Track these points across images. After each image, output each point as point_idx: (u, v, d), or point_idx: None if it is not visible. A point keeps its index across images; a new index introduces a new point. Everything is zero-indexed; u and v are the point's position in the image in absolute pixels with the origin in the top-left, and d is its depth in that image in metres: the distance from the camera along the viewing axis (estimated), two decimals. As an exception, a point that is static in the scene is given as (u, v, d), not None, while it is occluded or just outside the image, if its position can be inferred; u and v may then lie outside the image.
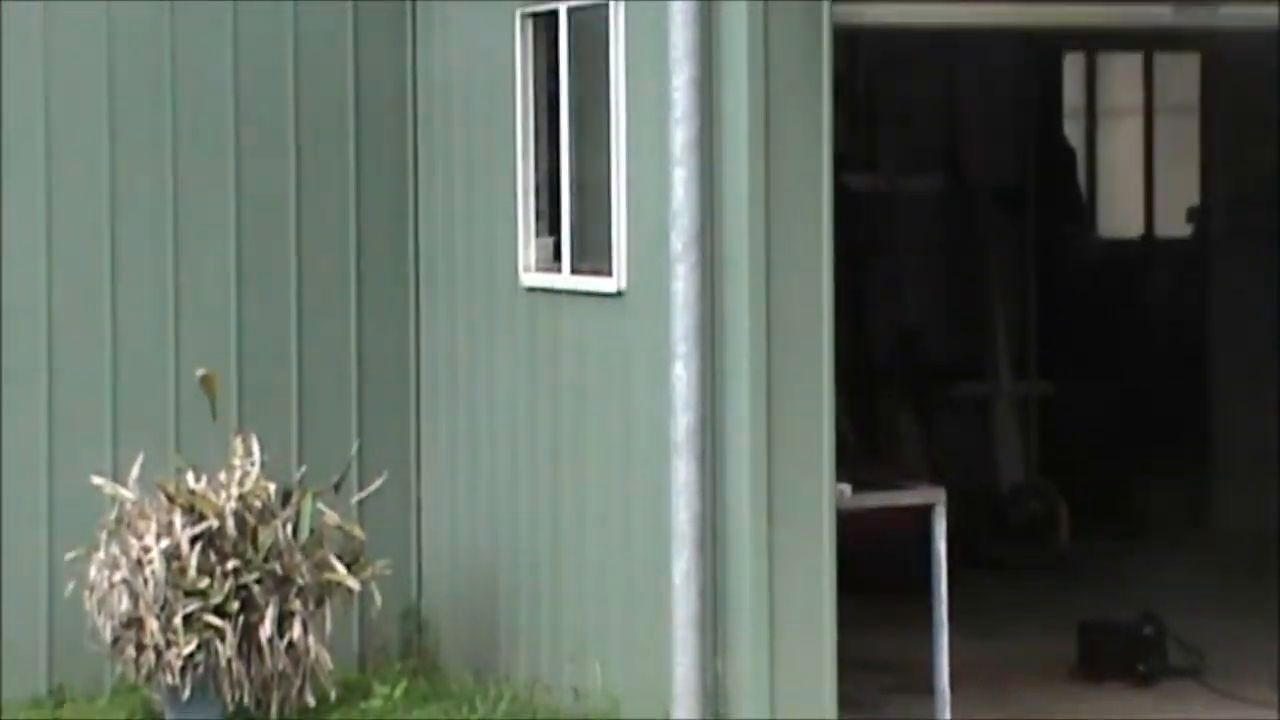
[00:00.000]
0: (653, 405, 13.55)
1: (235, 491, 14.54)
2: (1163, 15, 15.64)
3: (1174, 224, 21.39)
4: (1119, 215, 22.00)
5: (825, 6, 13.12)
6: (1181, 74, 21.51)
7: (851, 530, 12.76)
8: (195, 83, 16.83)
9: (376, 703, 15.26)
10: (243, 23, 16.77)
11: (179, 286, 16.74)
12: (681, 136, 13.50)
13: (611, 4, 14.27)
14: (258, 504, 14.55)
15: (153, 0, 16.50)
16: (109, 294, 16.43)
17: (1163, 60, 22.25)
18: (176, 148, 16.89)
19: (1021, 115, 22.01)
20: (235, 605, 13.87)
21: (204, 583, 13.87)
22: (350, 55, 17.40)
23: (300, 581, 14.10)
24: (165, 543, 14.06)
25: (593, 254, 14.96)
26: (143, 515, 14.47)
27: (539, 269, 15.76)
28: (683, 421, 12.93)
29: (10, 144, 16.29)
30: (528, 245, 15.92)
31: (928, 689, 13.36)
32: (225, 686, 14.09)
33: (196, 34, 16.89)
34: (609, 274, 14.62)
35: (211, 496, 14.38)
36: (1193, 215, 20.97)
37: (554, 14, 15.15)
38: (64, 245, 16.38)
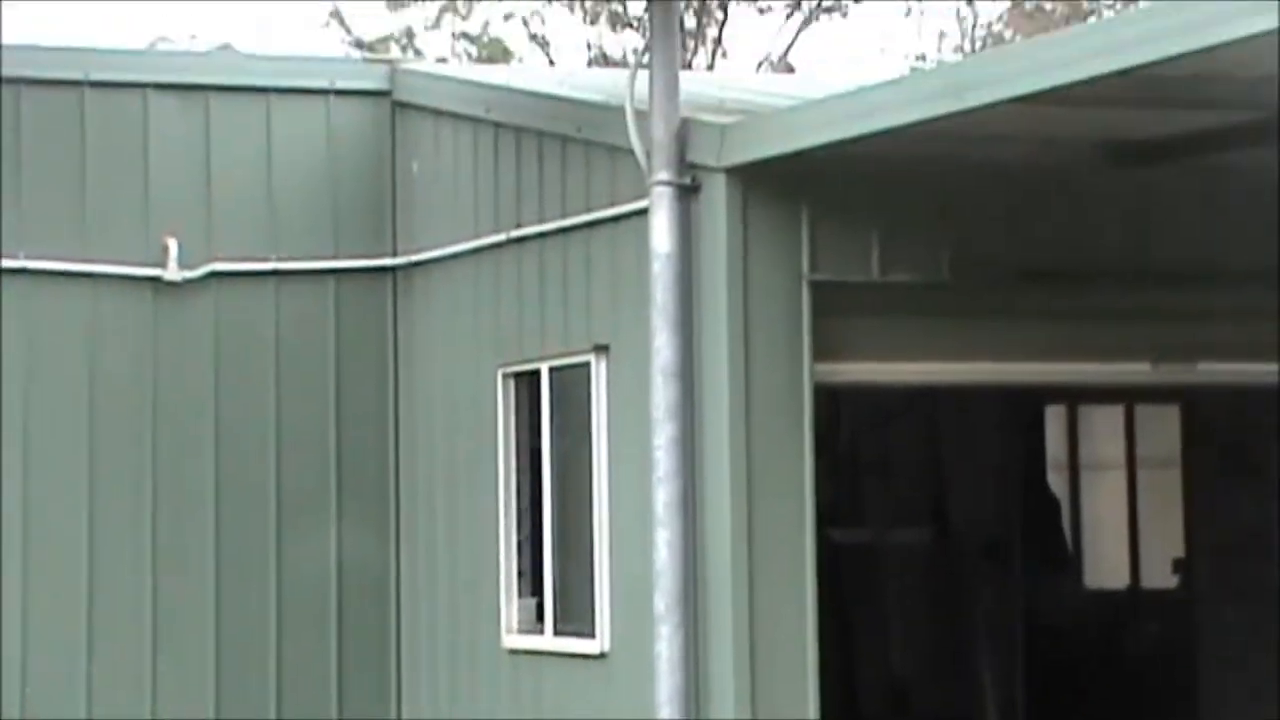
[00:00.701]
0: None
1: None
2: (1142, 372, 15.88)
3: (1160, 575, 21.69)
4: (1104, 566, 22.20)
5: (807, 365, 13.24)
6: (1163, 426, 21.89)
7: None
8: (177, 407, 16.73)
9: None
10: (224, 344, 16.86)
11: (156, 641, 16.50)
12: (664, 496, 13.58)
13: (593, 363, 14.31)
14: None
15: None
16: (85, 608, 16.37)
17: (1144, 413, 22.58)
18: (157, 496, 16.69)
19: (1005, 467, 21.96)
20: None
21: None
22: (332, 431, 17.24)
23: None
24: None
25: (576, 615, 14.77)
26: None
27: (521, 630, 15.51)
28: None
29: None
30: (510, 605, 15.75)
31: None
32: None
33: (177, 364, 16.85)
34: (592, 635, 14.34)
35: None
36: (1178, 567, 20.91)
37: (535, 373, 15.27)
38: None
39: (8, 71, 16.83)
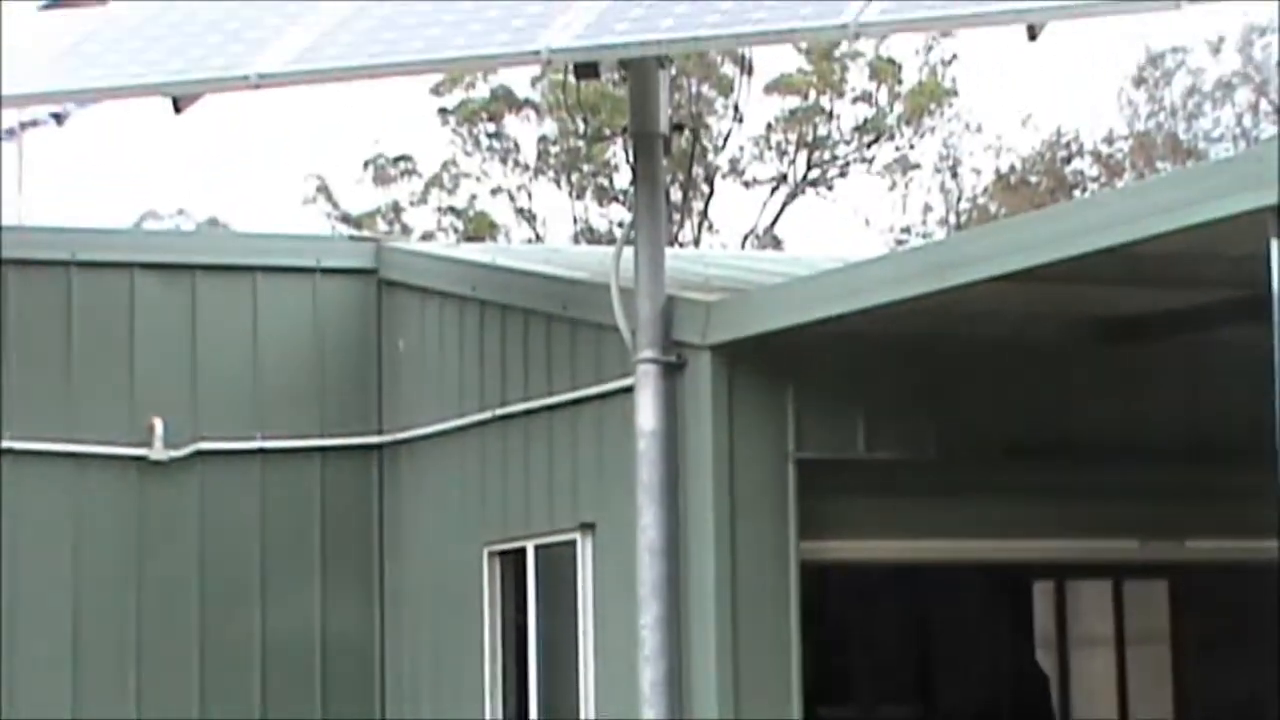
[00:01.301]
0: None
1: None
2: (1130, 549, 15.86)
3: (1150, 752, 21.37)
4: (1094, 742, 21.95)
5: (793, 543, 13.25)
6: (1151, 602, 21.74)
7: None
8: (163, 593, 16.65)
9: None
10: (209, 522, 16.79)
11: None
12: (650, 675, 13.58)
13: (579, 541, 14.28)
14: None
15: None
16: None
17: (1132, 588, 22.45)
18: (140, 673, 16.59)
19: (994, 643, 22.15)
20: None
21: None
22: (317, 609, 17.10)
23: None
24: None
25: (563, 794, 15.34)
26: None
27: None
28: None
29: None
30: (496, 785, 16.50)
31: None
32: None
33: (162, 543, 16.69)
34: (578, 810, 15.08)
35: None
36: (1167, 741, 20.99)
37: (521, 551, 15.24)
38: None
39: (-2, 253, 17.51)
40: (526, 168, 44.69)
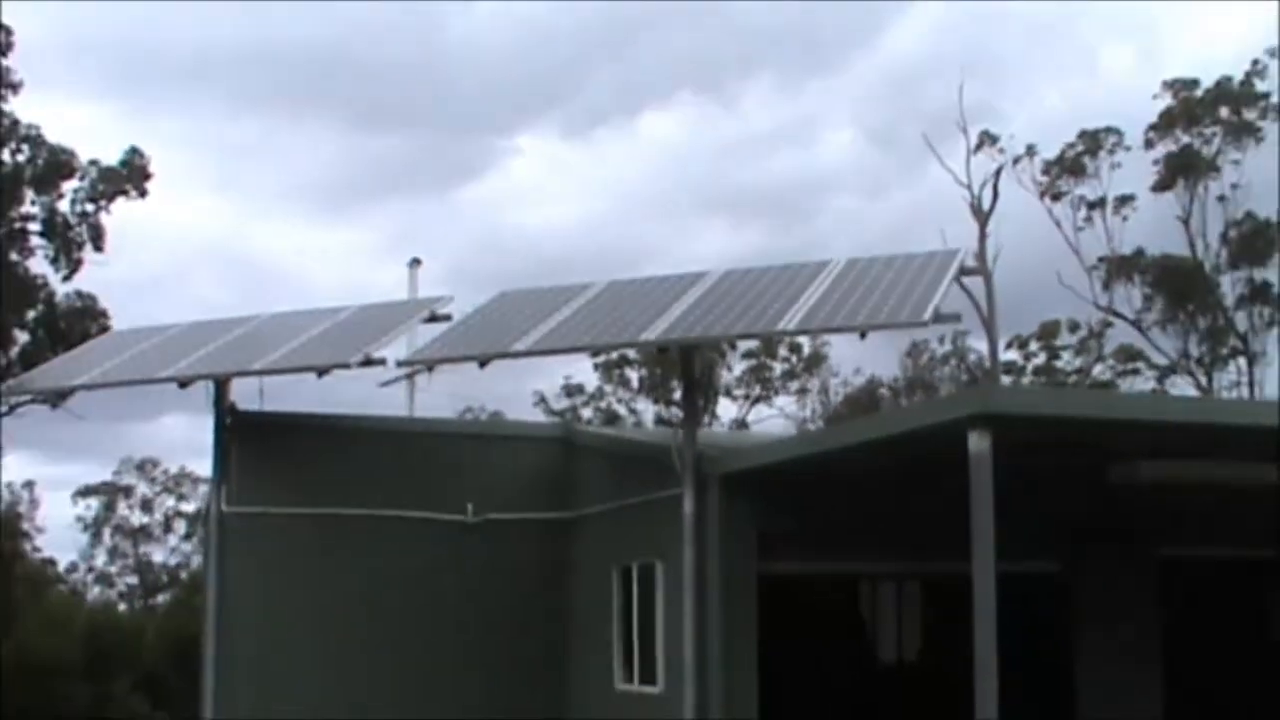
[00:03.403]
0: None
1: None
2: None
3: None
4: None
5: (753, 570, 16.25)
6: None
7: None
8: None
9: None
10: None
11: None
12: (689, 653, 16.31)
13: (657, 565, 17.19)
14: None
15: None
16: None
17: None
18: None
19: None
20: None
21: None
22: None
23: None
24: None
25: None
26: None
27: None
28: None
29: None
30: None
31: None
32: None
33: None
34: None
35: None
36: None
37: (629, 568, 18.06)
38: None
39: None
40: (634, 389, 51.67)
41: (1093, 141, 47.43)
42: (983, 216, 46.20)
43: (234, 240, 77.41)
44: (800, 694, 19.13)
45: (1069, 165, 47.53)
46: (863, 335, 15.53)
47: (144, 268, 71.07)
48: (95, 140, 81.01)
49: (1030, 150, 47.74)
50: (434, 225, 75.10)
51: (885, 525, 17.06)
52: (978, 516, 11.74)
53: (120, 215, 39.84)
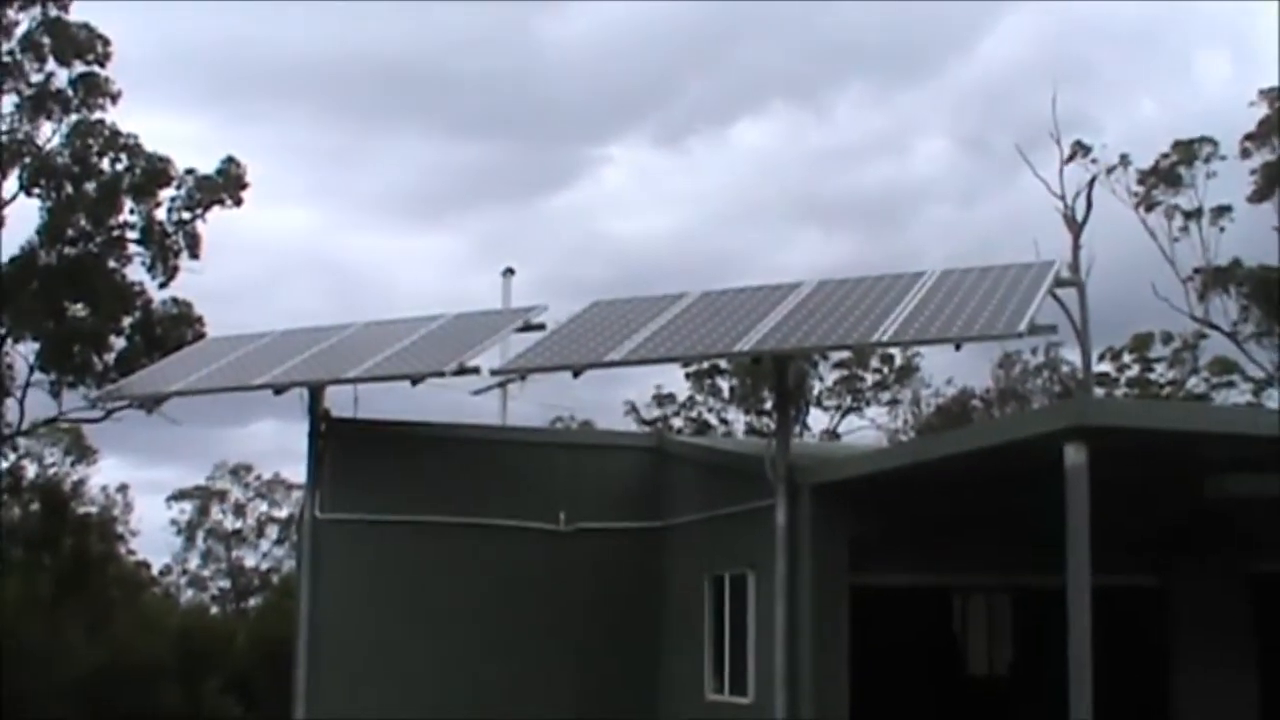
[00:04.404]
0: None
1: None
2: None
3: None
4: None
5: (844, 581, 16.17)
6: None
7: None
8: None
9: None
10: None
11: None
12: (780, 659, 16.43)
13: (749, 574, 17.26)
14: None
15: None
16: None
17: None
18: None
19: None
20: None
21: None
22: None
23: None
24: None
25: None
26: None
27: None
28: None
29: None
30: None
31: None
32: None
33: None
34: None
35: None
36: None
37: (721, 577, 18.06)
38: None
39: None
40: (725, 399, 51.63)
41: (1187, 151, 46.85)
42: (1076, 227, 45.83)
43: (326, 248, 78.16)
44: (890, 706, 19.04)
45: (1164, 175, 46.96)
46: (958, 347, 15.41)
47: (238, 274, 71.80)
48: (191, 149, 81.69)
49: (1124, 160, 47.24)
50: (525, 234, 75.38)
51: (977, 537, 17.06)
52: (1073, 529, 11.69)
53: (215, 223, 40.10)
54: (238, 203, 39.91)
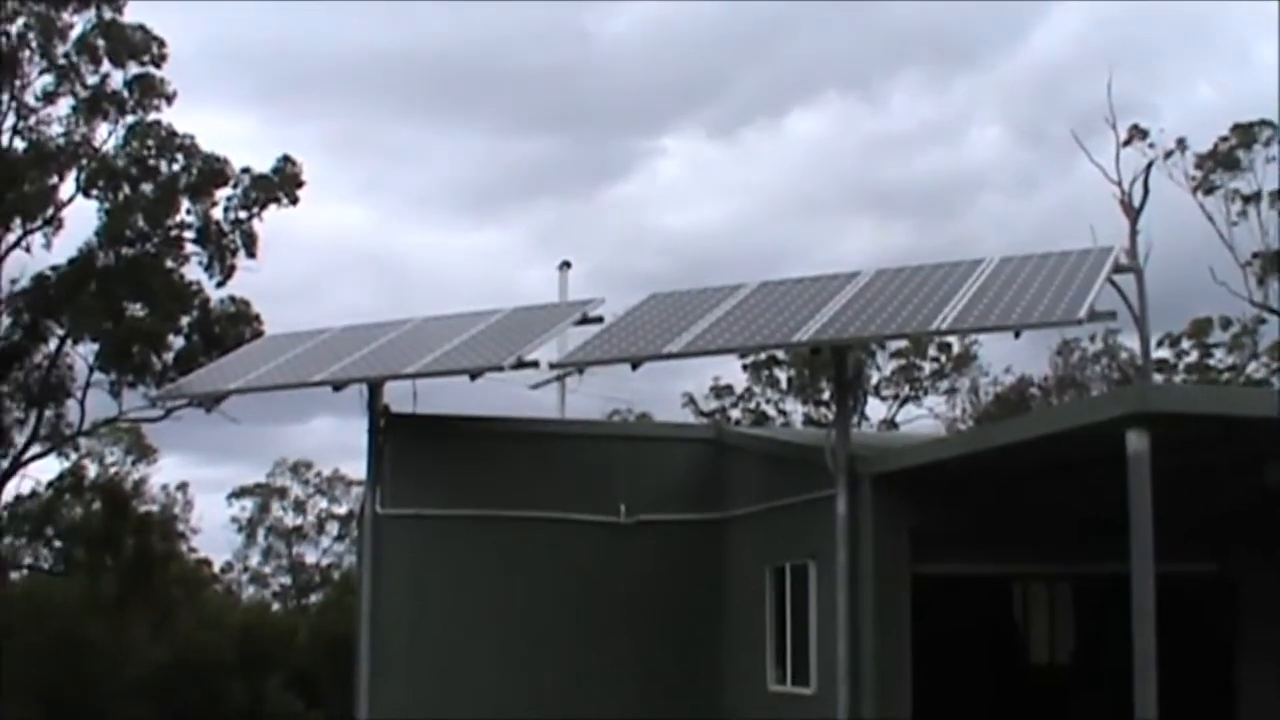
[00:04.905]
0: None
1: None
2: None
3: None
4: None
5: (906, 571, 16.14)
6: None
7: None
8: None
9: None
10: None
11: None
12: (843, 650, 16.43)
13: (809, 564, 17.29)
14: None
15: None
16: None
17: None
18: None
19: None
20: None
21: None
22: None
23: None
24: None
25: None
26: None
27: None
28: None
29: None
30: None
31: None
32: None
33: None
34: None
35: None
36: None
37: (783, 568, 18.08)
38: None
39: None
40: (783, 390, 51.60)
41: (1246, 135, 46.54)
42: (1133, 212, 45.55)
43: (381, 244, 78.51)
44: (952, 695, 19.02)
45: (1221, 159, 46.62)
46: (1017, 334, 15.40)
47: (294, 272, 72.22)
48: (244, 146, 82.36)
49: (1181, 144, 46.89)
50: (580, 226, 75.60)
51: (1037, 525, 16.99)
52: (1136, 516, 11.63)
53: (271, 221, 40.41)
54: (294, 201, 40.26)
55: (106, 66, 39.80)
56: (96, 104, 39.49)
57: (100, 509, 44.18)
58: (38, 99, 39.91)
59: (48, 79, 39.86)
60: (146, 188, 39.56)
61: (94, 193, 39.36)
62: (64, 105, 39.83)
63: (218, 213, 40.36)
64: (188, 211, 40.17)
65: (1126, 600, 11.92)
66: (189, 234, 40.33)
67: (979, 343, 51.53)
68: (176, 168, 39.84)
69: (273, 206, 40.19)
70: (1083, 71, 66.56)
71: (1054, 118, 66.82)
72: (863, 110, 73.03)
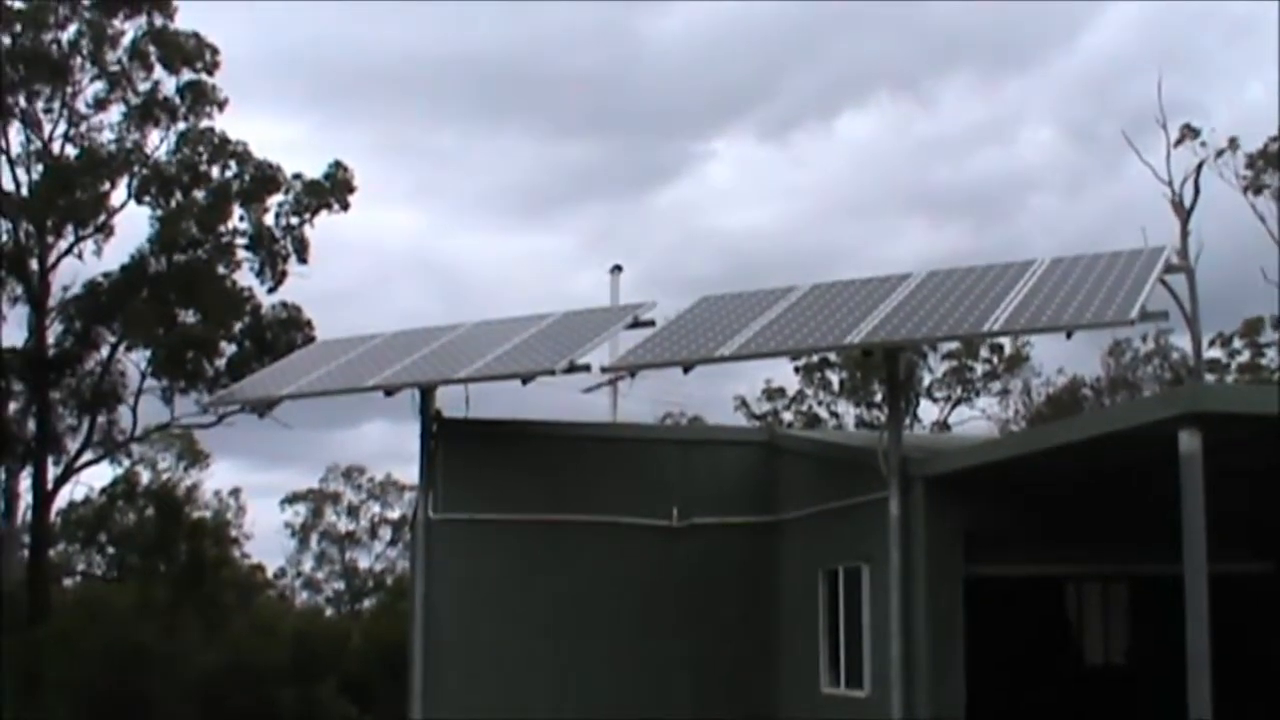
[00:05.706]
0: None
1: None
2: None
3: None
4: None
5: (959, 571, 16.16)
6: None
7: None
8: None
9: None
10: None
11: None
12: (895, 650, 16.48)
13: (863, 567, 17.25)
14: None
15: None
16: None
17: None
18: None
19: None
20: None
21: None
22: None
23: None
24: None
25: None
26: None
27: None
28: None
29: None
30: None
31: None
32: None
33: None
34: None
35: None
36: None
37: (835, 571, 18.10)
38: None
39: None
40: (835, 392, 51.64)
41: (1297, 134, 46.32)
42: (1184, 212, 45.41)
43: (432, 249, 78.79)
44: (1006, 698, 19.03)
45: (1272, 158, 46.41)
46: (1069, 335, 15.43)
47: (345, 277, 72.52)
48: (294, 151, 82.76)
49: (1233, 144, 46.71)
50: (630, 230, 75.74)
51: (1091, 526, 17.00)
52: (1189, 516, 11.62)
53: (322, 226, 40.66)
54: (345, 207, 40.40)
55: (158, 73, 39.95)
56: (148, 111, 39.80)
57: (153, 515, 44.52)
58: (89, 106, 40.14)
59: (99, 86, 40.06)
60: (198, 194, 39.70)
61: (146, 199, 39.51)
62: (115, 112, 39.94)
63: (269, 219, 40.46)
64: (240, 218, 40.35)
65: (1181, 600, 11.91)
66: (241, 240, 40.50)
67: (1031, 344, 51.44)
68: (229, 174, 39.96)
69: (324, 212, 40.28)
70: (1133, 72, 66.52)
71: (1105, 118, 66.65)
72: (913, 111, 73.02)
